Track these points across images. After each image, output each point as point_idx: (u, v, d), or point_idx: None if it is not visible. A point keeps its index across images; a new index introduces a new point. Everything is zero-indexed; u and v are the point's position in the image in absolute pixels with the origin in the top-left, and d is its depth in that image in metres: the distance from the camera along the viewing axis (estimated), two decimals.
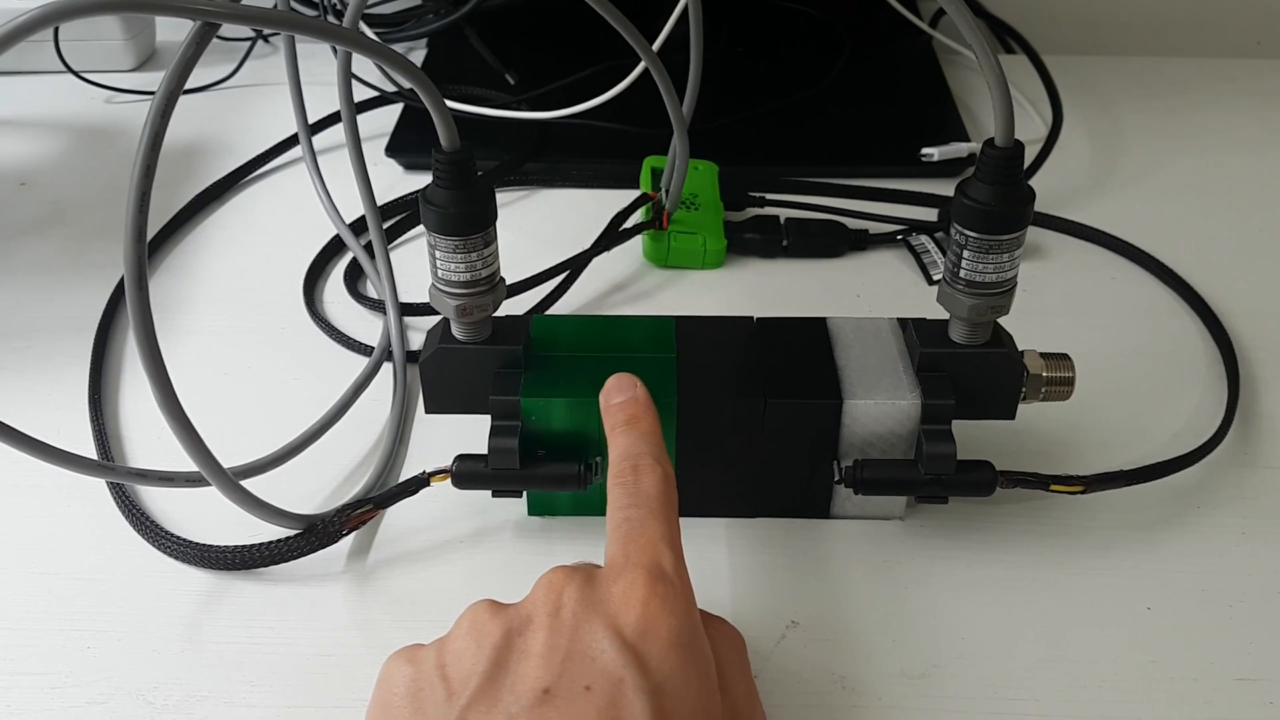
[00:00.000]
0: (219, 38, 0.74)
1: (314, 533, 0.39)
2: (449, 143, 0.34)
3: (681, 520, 0.41)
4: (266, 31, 0.75)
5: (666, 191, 0.54)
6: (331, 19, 0.70)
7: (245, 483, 0.36)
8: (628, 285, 0.54)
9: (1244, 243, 0.57)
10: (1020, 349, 0.39)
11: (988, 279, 0.35)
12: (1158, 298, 0.53)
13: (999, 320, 0.38)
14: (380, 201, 0.57)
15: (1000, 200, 0.34)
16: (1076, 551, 0.40)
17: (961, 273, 0.36)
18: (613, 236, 0.54)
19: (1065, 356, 0.39)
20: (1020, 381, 0.38)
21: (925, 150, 0.62)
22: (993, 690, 0.35)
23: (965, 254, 0.35)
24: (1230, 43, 0.82)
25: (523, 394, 0.38)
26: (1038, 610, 0.38)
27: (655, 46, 0.51)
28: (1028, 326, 0.40)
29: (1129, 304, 0.53)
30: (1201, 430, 0.44)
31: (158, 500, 0.42)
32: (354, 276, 0.54)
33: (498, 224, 0.36)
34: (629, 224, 0.55)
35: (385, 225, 0.57)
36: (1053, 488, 0.39)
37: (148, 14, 0.46)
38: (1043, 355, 0.39)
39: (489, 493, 0.40)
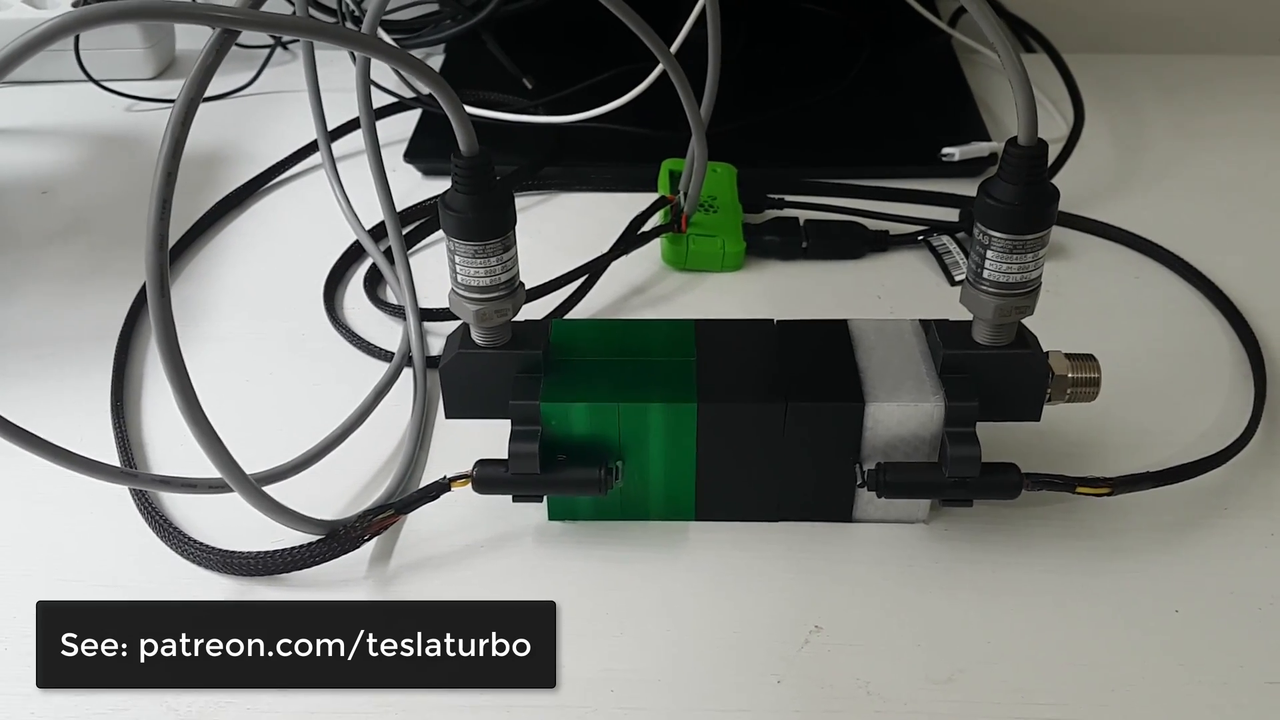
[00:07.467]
0: (238, 45, 0.74)
1: (336, 538, 0.39)
2: (468, 148, 0.34)
3: (703, 525, 0.41)
4: (285, 39, 0.76)
5: (685, 194, 0.54)
6: (349, 25, 0.70)
7: (267, 489, 0.36)
8: (647, 289, 0.54)
9: (1269, 241, 0.57)
10: (1045, 350, 0.38)
11: (1012, 279, 0.35)
12: (1182, 297, 0.53)
13: (1023, 321, 0.38)
14: (399, 207, 0.57)
15: (1024, 200, 0.34)
16: (1103, 554, 0.40)
17: (985, 273, 0.35)
18: (631, 240, 0.54)
19: (1090, 357, 0.39)
20: (1045, 383, 0.38)
21: (946, 150, 0.61)
22: (1019, 694, 0.35)
23: (989, 254, 0.35)
24: (1252, 39, 0.82)
25: (543, 399, 0.38)
26: (1064, 613, 0.38)
27: (673, 49, 0.51)
28: (1051, 327, 0.39)
29: (1153, 304, 0.53)
30: (1228, 431, 0.44)
31: (180, 507, 0.42)
32: (374, 282, 0.55)
33: (516, 229, 0.36)
34: (647, 227, 0.55)
35: (404, 231, 0.57)
36: (1079, 490, 0.39)
37: (166, 21, 0.46)
38: (1068, 356, 0.39)
39: (510, 497, 0.40)
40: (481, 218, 0.35)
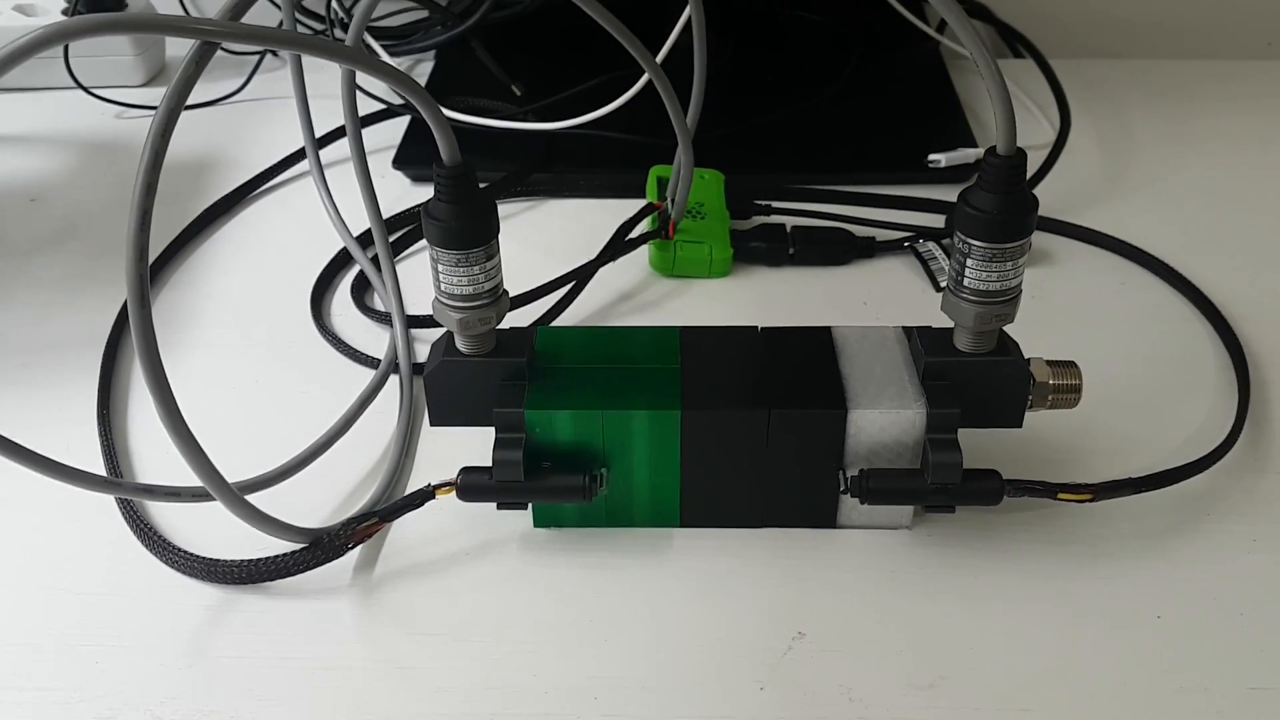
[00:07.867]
0: (228, 52, 0.75)
1: (319, 547, 0.39)
2: (450, 157, 0.34)
3: (688, 531, 0.41)
4: None
5: (672, 201, 0.54)
6: (339, 32, 0.70)
7: (252, 497, 0.36)
8: (634, 295, 0.54)
9: (1255, 246, 0.57)
10: (1027, 356, 0.38)
11: (992, 287, 0.35)
12: (1167, 303, 0.53)
13: (1005, 328, 0.38)
14: (388, 213, 0.58)
15: (1003, 209, 0.34)
16: (1085, 560, 0.40)
17: (965, 281, 0.35)
18: (619, 246, 0.54)
19: (1072, 364, 0.39)
20: (1026, 390, 0.38)
21: (932, 156, 0.62)
22: (1001, 700, 0.35)
23: (969, 263, 0.35)
24: (1240, 44, 0.82)
25: (527, 406, 0.38)
26: (1046, 619, 0.38)
27: (659, 57, 0.51)
28: (1037, 332, 0.39)
29: (1138, 309, 0.53)
30: (1212, 437, 0.44)
31: (166, 515, 0.42)
32: (361, 289, 0.55)
33: (504, 235, 0.37)
34: (635, 234, 0.55)
35: (392, 237, 0.57)
36: (1060, 496, 0.39)
37: (152, 34, 0.46)
38: (1049, 363, 0.39)
39: (494, 505, 0.40)
40: (464, 226, 0.35)
